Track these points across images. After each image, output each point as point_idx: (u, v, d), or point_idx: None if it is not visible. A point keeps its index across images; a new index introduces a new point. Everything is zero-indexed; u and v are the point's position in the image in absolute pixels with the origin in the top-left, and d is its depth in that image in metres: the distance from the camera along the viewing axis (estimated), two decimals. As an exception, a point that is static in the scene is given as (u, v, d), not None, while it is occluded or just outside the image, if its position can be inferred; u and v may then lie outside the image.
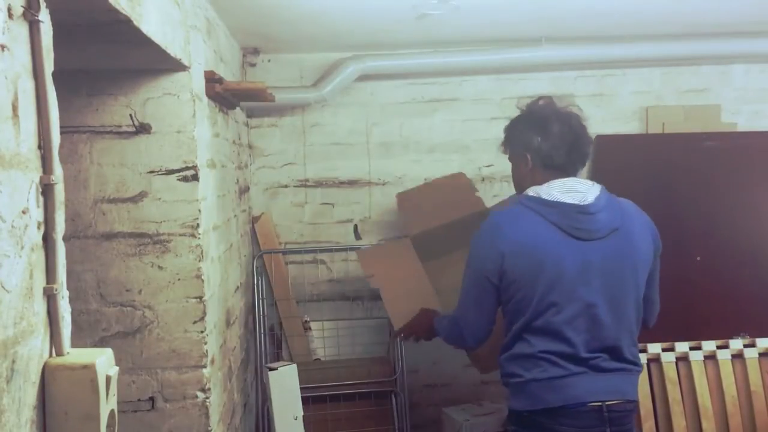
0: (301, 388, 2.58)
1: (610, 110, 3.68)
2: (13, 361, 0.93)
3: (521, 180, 2.09)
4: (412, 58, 3.50)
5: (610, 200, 1.96)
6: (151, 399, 2.05)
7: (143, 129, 1.99)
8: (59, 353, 1.07)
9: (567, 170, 2.00)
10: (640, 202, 2.09)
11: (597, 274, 1.90)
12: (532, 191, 1.98)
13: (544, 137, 2.00)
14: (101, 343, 2.00)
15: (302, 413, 2.54)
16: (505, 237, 1.94)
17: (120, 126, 2.00)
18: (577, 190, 1.95)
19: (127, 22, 1.44)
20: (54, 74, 1.07)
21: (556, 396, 1.90)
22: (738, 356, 3.06)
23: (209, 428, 2.09)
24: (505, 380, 2.03)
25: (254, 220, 3.58)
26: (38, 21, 1.02)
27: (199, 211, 2.06)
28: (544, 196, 1.94)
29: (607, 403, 1.89)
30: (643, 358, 2.85)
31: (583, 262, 1.90)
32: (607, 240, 1.91)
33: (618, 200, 2.00)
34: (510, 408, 2.02)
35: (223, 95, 2.47)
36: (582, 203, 1.91)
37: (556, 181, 1.97)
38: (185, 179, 2.03)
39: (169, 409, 2.06)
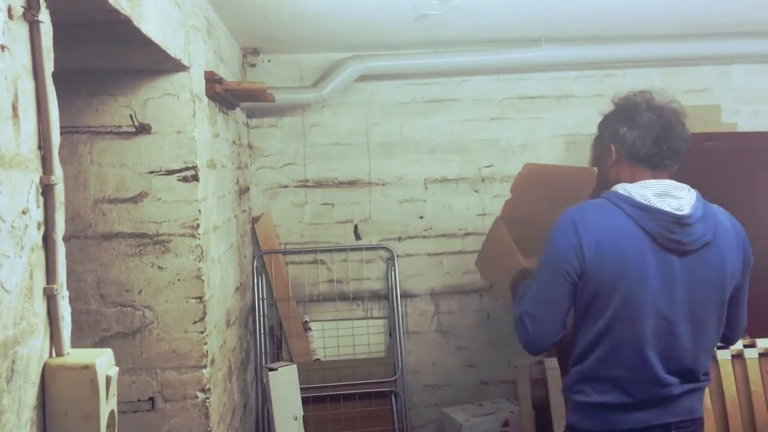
0: (301, 389, 2.59)
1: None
2: (13, 362, 0.93)
3: (604, 176, 1.94)
4: (413, 59, 3.51)
5: (705, 210, 1.79)
6: (151, 399, 2.05)
7: (143, 129, 1.99)
8: (59, 353, 1.07)
9: (654, 164, 1.84)
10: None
11: (681, 289, 1.76)
12: (621, 189, 1.80)
13: (630, 126, 1.85)
14: (101, 343, 2.00)
15: (302, 413, 2.54)
16: (589, 233, 1.75)
17: (120, 126, 2.00)
18: (673, 195, 1.77)
19: (127, 22, 1.44)
20: (54, 75, 1.07)
21: (625, 420, 1.80)
22: (738, 356, 3.06)
23: (209, 428, 2.09)
24: (569, 394, 1.88)
25: (254, 220, 3.58)
26: (38, 21, 1.02)
27: (199, 211, 2.06)
28: (637, 198, 1.76)
29: (675, 421, 1.81)
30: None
31: (669, 276, 1.75)
32: (697, 254, 1.76)
33: (712, 209, 1.82)
34: (571, 425, 1.88)
35: (223, 95, 2.47)
36: (678, 212, 1.74)
37: (650, 181, 1.81)
38: (185, 179, 2.03)
39: (169, 409, 2.06)
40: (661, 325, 1.77)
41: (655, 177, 1.83)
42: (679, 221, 1.74)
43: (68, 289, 1.11)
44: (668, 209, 1.74)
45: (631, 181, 1.83)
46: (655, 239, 1.74)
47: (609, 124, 1.93)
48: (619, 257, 1.74)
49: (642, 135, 1.83)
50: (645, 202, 1.76)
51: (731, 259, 1.81)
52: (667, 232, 1.74)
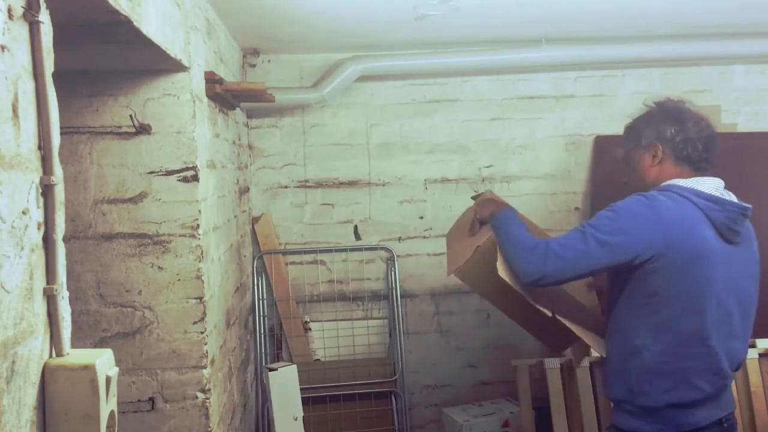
0: (301, 389, 2.58)
1: (610, 110, 3.69)
2: (13, 362, 0.93)
3: (643, 175, 1.97)
4: (412, 59, 3.50)
5: None
6: (151, 399, 2.05)
7: (143, 129, 1.99)
8: (59, 354, 1.07)
9: (698, 167, 1.90)
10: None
11: (734, 281, 1.83)
12: (682, 183, 1.85)
13: (678, 129, 1.91)
14: (101, 343, 2.00)
15: (302, 414, 2.54)
16: (664, 220, 1.77)
17: (120, 126, 2.00)
18: (722, 192, 1.85)
19: (127, 22, 1.44)
20: (54, 75, 1.07)
21: (689, 419, 1.81)
22: (738, 356, 3.06)
23: (209, 429, 2.09)
24: (630, 397, 1.85)
25: (254, 220, 3.58)
26: (38, 22, 1.02)
27: (199, 211, 2.06)
28: (705, 190, 1.82)
29: (725, 415, 1.86)
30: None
31: (727, 266, 1.81)
32: (740, 247, 1.85)
33: None
34: (626, 428, 1.86)
35: (223, 96, 2.47)
36: (744, 204, 1.83)
37: (705, 178, 1.87)
38: (185, 180, 2.03)
39: (169, 409, 2.06)
40: (721, 315, 1.81)
41: (696, 174, 1.91)
42: (745, 213, 1.83)
43: (68, 289, 1.11)
44: (735, 201, 1.82)
45: (673, 177, 1.90)
46: (719, 230, 1.80)
47: (653, 125, 1.96)
48: (692, 246, 1.78)
49: (694, 138, 1.90)
50: (714, 194, 1.82)
51: (757, 255, 1.93)
52: (732, 223, 1.81)
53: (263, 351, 3.41)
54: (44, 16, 1.04)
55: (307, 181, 3.64)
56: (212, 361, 2.16)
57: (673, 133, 1.91)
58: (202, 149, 2.13)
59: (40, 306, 1.02)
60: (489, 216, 2.14)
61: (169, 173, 2.03)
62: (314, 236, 3.66)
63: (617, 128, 3.64)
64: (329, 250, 3.64)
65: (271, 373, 2.48)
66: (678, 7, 2.89)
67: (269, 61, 3.56)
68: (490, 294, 2.34)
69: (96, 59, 1.84)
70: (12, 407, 0.93)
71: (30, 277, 0.99)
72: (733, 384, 3.00)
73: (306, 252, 3.63)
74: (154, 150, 2.01)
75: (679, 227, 1.77)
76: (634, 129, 2.02)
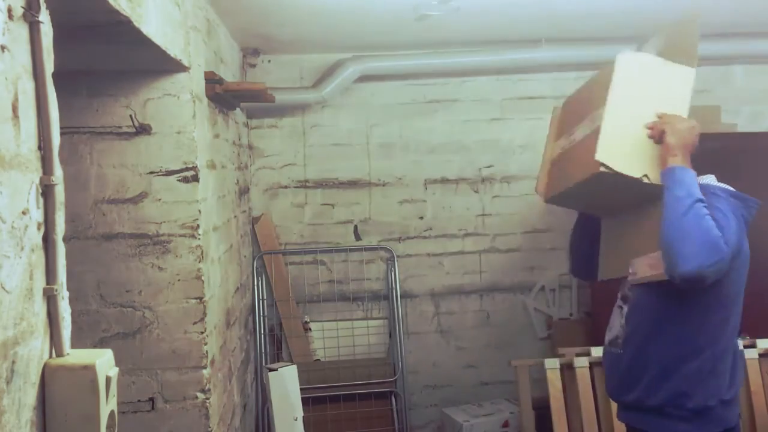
0: (301, 389, 2.58)
1: (610, 111, 3.68)
2: (13, 362, 0.93)
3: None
4: (413, 59, 3.51)
5: None
6: (151, 400, 2.05)
7: (143, 130, 1.99)
8: (59, 354, 1.07)
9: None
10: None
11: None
12: (703, 180, 1.84)
13: None
14: (101, 343, 2.00)
15: (302, 414, 2.54)
16: (741, 220, 1.75)
17: (120, 127, 2.00)
18: None
19: (127, 23, 1.44)
20: (54, 75, 1.07)
21: (729, 416, 1.82)
22: (738, 357, 3.06)
23: (209, 429, 2.09)
24: (671, 400, 1.81)
25: (254, 220, 3.58)
26: (38, 22, 1.02)
27: (199, 211, 2.06)
28: (730, 188, 1.84)
29: (739, 412, 1.89)
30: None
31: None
32: None
33: None
34: None
35: (223, 96, 2.47)
36: (757, 200, 1.84)
37: (709, 176, 1.89)
38: (185, 180, 2.03)
39: (168, 409, 2.06)
40: (740, 311, 1.84)
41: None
42: (760, 208, 1.82)
43: (68, 289, 1.11)
44: (752, 197, 1.81)
45: None
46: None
47: None
48: (746, 245, 1.80)
49: None
50: (739, 192, 1.82)
51: None
52: (751, 219, 1.81)
53: (263, 351, 3.41)
54: (44, 16, 1.04)
55: (307, 181, 3.64)
56: (212, 362, 2.16)
57: None
58: (202, 149, 2.13)
59: (40, 306, 1.02)
60: (680, 151, 1.69)
61: (169, 173, 2.03)
62: (314, 236, 3.66)
63: (617, 128, 3.65)
64: (329, 251, 3.64)
65: (271, 373, 2.48)
66: (678, 7, 2.89)
67: (269, 61, 3.56)
68: (588, 202, 2.04)
69: (96, 59, 1.84)
70: (12, 407, 0.93)
71: (30, 277, 0.99)
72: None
73: (306, 252, 3.64)
74: (154, 150, 2.01)
75: (743, 235, 1.79)
76: None
